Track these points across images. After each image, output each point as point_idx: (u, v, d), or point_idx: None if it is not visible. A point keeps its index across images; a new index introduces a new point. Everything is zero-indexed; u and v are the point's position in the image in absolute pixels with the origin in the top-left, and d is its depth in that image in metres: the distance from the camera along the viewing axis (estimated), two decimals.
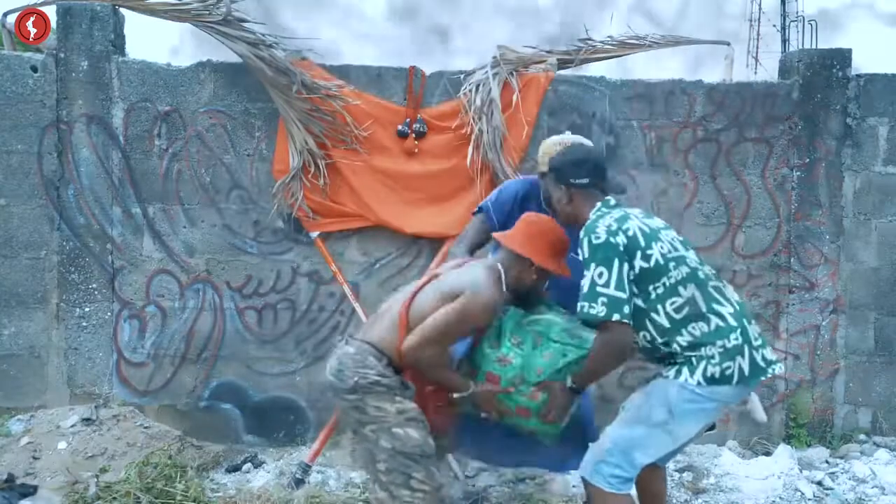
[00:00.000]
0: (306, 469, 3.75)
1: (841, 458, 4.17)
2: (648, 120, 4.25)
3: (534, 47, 4.28)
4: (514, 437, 2.96)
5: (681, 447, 2.62)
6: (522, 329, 2.68)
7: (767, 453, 4.16)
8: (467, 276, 2.52)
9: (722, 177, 4.30)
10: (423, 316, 2.48)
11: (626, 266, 2.34)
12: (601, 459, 2.45)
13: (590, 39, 4.31)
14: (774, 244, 4.34)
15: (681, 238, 2.52)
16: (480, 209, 3.22)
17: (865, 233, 4.36)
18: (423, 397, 2.56)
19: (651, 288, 2.37)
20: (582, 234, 2.43)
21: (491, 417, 2.66)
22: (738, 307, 2.45)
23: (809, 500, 3.73)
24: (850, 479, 3.94)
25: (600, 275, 2.32)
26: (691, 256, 2.47)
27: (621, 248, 2.34)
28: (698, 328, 2.37)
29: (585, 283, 2.35)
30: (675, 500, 3.70)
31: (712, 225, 4.32)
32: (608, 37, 4.33)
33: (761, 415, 2.62)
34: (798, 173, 4.32)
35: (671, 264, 2.38)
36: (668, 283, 2.37)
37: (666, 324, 2.38)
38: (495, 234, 2.77)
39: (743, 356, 2.37)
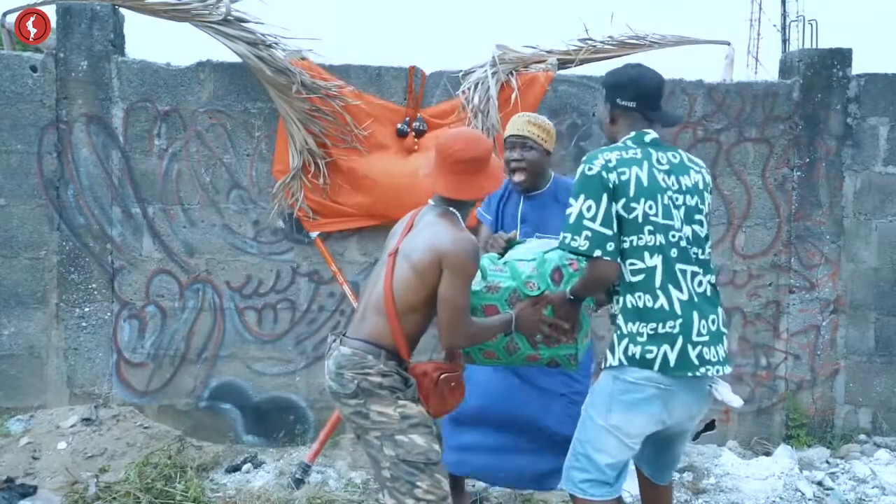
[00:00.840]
0: (306, 469, 3.75)
1: (841, 458, 4.17)
2: None
3: (534, 47, 4.28)
4: (502, 456, 3.06)
5: (669, 456, 2.56)
6: (497, 262, 2.68)
7: (767, 453, 4.16)
8: (435, 237, 2.36)
9: (722, 177, 4.30)
10: (406, 292, 2.35)
11: (614, 204, 2.28)
12: (571, 465, 2.42)
13: (590, 39, 4.31)
14: (774, 244, 4.34)
15: (703, 213, 2.40)
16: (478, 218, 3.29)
17: (866, 233, 4.36)
18: (434, 383, 2.44)
19: (628, 238, 2.30)
20: (583, 159, 2.35)
21: (538, 340, 2.55)
22: (696, 298, 2.32)
23: (810, 500, 3.73)
24: (850, 479, 3.94)
25: (588, 208, 2.26)
26: (679, 233, 2.33)
27: (610, 186, 2.26)
28: (643, 300, 2.29)
29: (572, 214, 2.28)
30: (675, 501, 3.69)
31: (712, 225, 4.30)
32: (608, 37, 4.33)
33: (735, 400, 2.48)
34: (798, 173, 4.32)
35: (647, 228, 2.28)
36: (635, 243, 2.29)
37: (624, 278, 2.32)
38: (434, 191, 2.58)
39: (672, 345, 2.27)
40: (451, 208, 2.45)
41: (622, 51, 4.32)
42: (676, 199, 2.35)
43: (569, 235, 2.28)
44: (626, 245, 2.31)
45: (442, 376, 2.43)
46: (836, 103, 4.31)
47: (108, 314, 4.07)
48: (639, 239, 2.30)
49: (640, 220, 2.29)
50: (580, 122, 4.21)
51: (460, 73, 4.16)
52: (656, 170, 2.34)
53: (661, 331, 2.28)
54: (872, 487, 3.85)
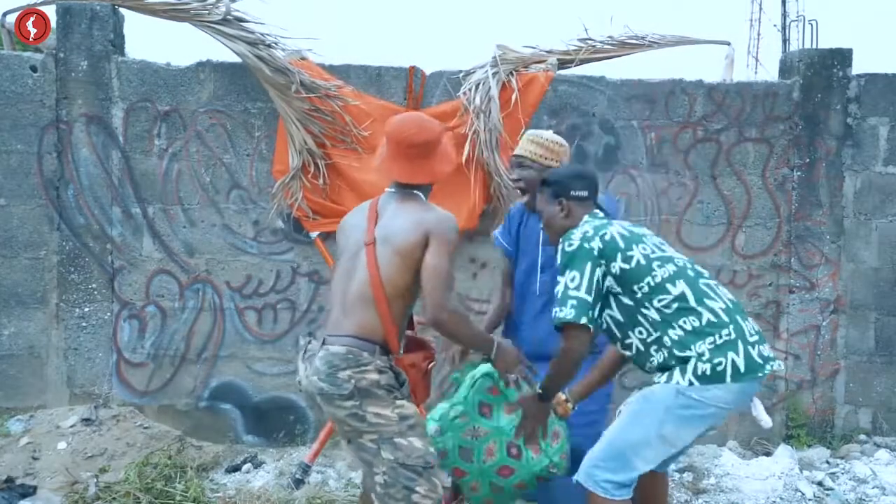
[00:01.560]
0: (306, 469, 3.74)
1: (841, 458, 4.17)
2: (648, 120, 4.25)
3: (534, 47, 4.28)
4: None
5: (680, 453, 2.60)
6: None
7: (768, 453, 4.16)
8: (418, 217, 2.34)
9: (722, 177, 4.30)
10: (394, 276, 2.31)
11: (598, 271, 2.37)
12: (596, 464, 2.43)
13: (590, 39, 4.31)
14: (775, 244, 4.34)
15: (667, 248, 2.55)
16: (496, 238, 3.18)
17: (866, 233, 4.36)
18: (423, 373, 2.43)
19: (636, 287, 2.38)
20: (561, 239, 2.46)
21: (515, 381, 2.59)
22: (730, 304, 2.44)
23: (810, 500, 3.73)
24: (850, 479, 3.94)
25: (573, 279, 2.36)
26: (680, 257, 2.49)
27: (595, 253, 2.37)
28: (689, 322, 2.36)
29: (559, 290, 2.39)
30: (675, 500, 3.69)
31: (712, 225, 4.32)
32: (608, 36, 4.33)
33: (766, 421, 2.59)
34: (798, 173, 4.32)
35: (655, 263, 2.39)
36: (653, 283, 2.38)
37: (657, 318, 2.38)
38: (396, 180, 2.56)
39: (736, 351, 2.34)
40: (414, 192, 2.45)
41: (622, 51, 4.32)
42: (654, 239, 2.51)
43: (557, 309, 2.37)
44: (645, 289, 2.39)
45: (430, 366, 2.43)
46: (836, 103, 4.31)
47: (108, 314, 4.07)
48: (653, 277, 2.38)
49: (643, 261, 2.39)
50: (580, 122, 4.21)
51: (460, 74, 4.16)
52: (621, 227, 2.48)
53: (719, 341, 2.34)
54: (872, 487, 3.85)
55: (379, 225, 2.40)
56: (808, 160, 4.31)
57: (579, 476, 2.46)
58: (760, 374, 2.37)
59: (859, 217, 4.36)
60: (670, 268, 2.41)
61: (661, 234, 4.17)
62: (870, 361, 4.39)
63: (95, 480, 3.53)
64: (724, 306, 2.40)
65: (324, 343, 2.35)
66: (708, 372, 2.32)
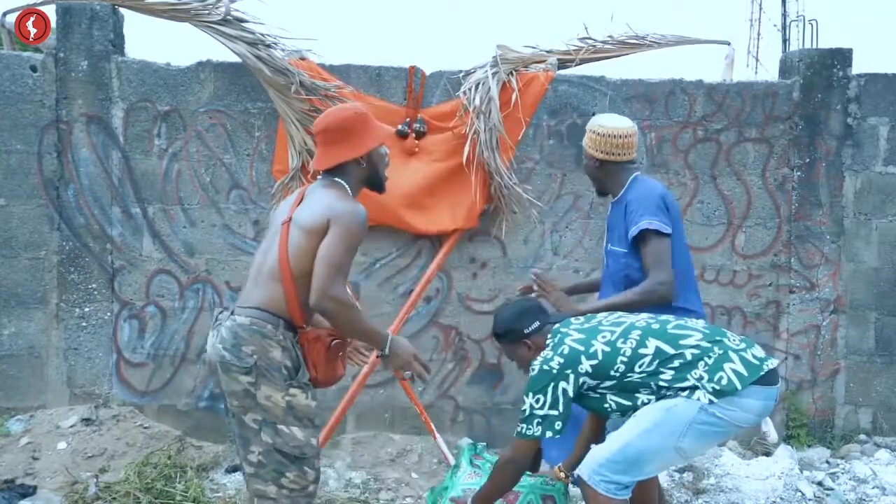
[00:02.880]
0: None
1: (841, 458, 4.17)
2: (648, 120, 4.24)
3: (534, 47, 4.28)
4: None
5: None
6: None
7: (768, 453, 4.15)
8: (326, 202, 2.40)
9: (722, 177, 4.30)
10: (300, 257, 2.36)
11: (563, 384, 2.46)
12: (605, 464, 2.44)
13: (590, 39, 4.31)
14: (775, 244, 4.34)
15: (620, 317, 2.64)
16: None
17: (866, 233, 4.36)
18: (326, 347, 2.43)
19: (613, 372, 2.46)
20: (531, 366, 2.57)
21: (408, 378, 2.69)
22: (705, 331, 2.50)
23: (810, 500, 3.73)
24: (850, 479, 3.94)
25: (537, 401, 2.48)
26: (638, 317, 2.59)
27: (555, 371, 2.47)
28: (676, 362, 2.43)
29: (525, 410, 2.51)
30: (675, 501, 3.69)
31: (712, 225, 4.32)
32: (608, 36, 4.33)
33: (774, 437, 2.67)
34: (798, 173, 4.32)
35: (619, 342, 2.48)
36: (625, 359, 2.45)
37: (648, 379, 2.45)
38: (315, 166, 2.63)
39: (730, 360, 2.41)
40: (336, 179, 2.50)
41: (622, 51, 4.32)
42: (608, 319, 2.62)
43: (523, 427, 2.51)
44: (621, 367, 2.46)
45: (334, 342, 2.45)
46: (836, 103, 4.30)
47: (108, 314, 4.07)
48: (623, 355, 2.47)
49: (607, 348, 2.47)
50: (580, 122, 4.21)
51: (460, 74, 4.16)
52: (574, 331, 2.58)
53: (710, 362, 2.41)
54: (873, 487, 3.85)
55: (299, 207, 2.48)
56: (808, 160, 4.31)
57: (582, 472, 2.48)
58: (766, 367, 2.41)
59: (859, 217, 4.36)
60: (635, 335, 2.48)
61: None
62: (870, 361, 4.39)
63: (95, 480, 3.53)
64: (700, 336, 2.47)
65: (232, 313, 2.42)
66: (717, 388, 2.37)
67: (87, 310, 4.05)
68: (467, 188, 4.05)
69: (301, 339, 2.41)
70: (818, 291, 4.34)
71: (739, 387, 2.36)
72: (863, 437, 4.35)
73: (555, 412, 2.46)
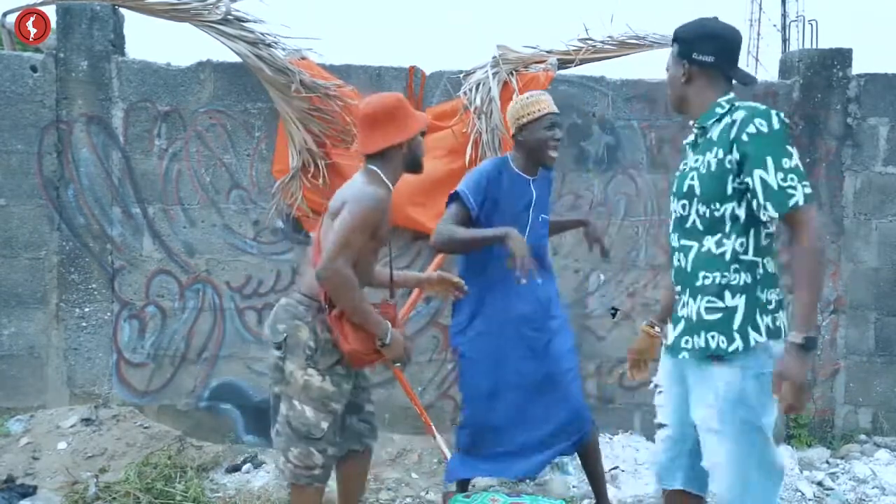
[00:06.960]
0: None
1: (841, 458, 4.17)
2: (648, 120, 4.24)
3: (534, 47, 4.28)
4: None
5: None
6: None
7: None
8: (347, 189, 2.57)
9: None
10: (327, 241, 2.50)
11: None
12: (747, 496, 2.11)
13: (590, 39, 4.31)
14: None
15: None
16: (457, 195, 3.17)
17: (866, 233, 4.36)
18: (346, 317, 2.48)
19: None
20: (745, 119, 2.16)
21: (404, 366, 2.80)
22: None
23: (810, 500, 3.73)
24: (850, 479, 3.94)
25: (791, 158, 2.13)
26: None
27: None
28: (772, 265, 2.17)
29: (772, 181, 2.11)
30: None
31: None
32: (608, 36, 4.32)
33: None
34: None
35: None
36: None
37: (764, 242, 2.22)
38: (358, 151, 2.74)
39: (784, 310, 2.17)
40: (371, 166, 2.61)
41: (622, 51, 4.31)
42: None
43: (790, 193, 2.18)
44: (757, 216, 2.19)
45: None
46: (836, 103, 4.30)
47: (108, 314, 4.07)
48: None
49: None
50: (580, 122, 4.21)
51: (461, 74, 4.16)
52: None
53: (780, 297, 2.20)
54: (872, 488, 3.85)
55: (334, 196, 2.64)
56: (807, 160, 4.31)
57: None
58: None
59: (859, 217, 4.36)
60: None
61: (661, 235, 4.19)
62: (870, 361, 4.39)
63: (95, 480, 3.53)
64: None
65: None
66: (772, 326, 2.13)
67: (87, 310, 4.05)
68: None
69: (329, 318, 2.51)
70: None
71: (782, 339, 2.12)
72: (863, 437, 4.35)
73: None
